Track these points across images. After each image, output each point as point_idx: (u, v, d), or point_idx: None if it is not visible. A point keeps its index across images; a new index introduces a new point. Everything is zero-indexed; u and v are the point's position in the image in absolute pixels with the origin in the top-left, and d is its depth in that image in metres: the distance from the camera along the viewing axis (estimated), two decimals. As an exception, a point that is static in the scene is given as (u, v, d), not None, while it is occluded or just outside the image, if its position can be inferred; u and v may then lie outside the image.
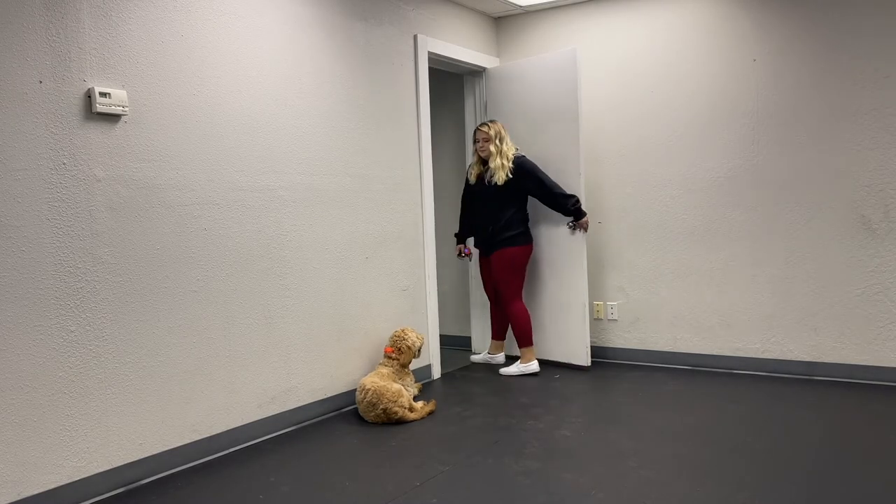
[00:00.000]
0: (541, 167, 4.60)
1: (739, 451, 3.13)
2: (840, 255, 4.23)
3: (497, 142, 4.57)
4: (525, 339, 4.66)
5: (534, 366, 4.65)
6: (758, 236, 4.46)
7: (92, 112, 2.83)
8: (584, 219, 4.63)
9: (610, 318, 5.00)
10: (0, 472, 2.59)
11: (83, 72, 2.81)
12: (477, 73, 5.16)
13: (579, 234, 4.66)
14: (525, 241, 4.67)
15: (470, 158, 5.03)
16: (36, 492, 2.69)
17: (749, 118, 4.45)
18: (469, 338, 5.47)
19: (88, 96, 2.82)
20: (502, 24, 5.30)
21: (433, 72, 4.86)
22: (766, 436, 3.33)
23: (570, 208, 4.57)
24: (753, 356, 4.53)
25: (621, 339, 4.98)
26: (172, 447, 3.14)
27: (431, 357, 4.67)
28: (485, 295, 5.08)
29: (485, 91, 5.16)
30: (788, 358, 4.42)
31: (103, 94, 2.84)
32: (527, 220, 4.72)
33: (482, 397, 4.18)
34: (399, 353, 3.98)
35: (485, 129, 4.61)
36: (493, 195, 4.63)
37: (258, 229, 3.52)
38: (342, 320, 3.99)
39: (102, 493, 2.89)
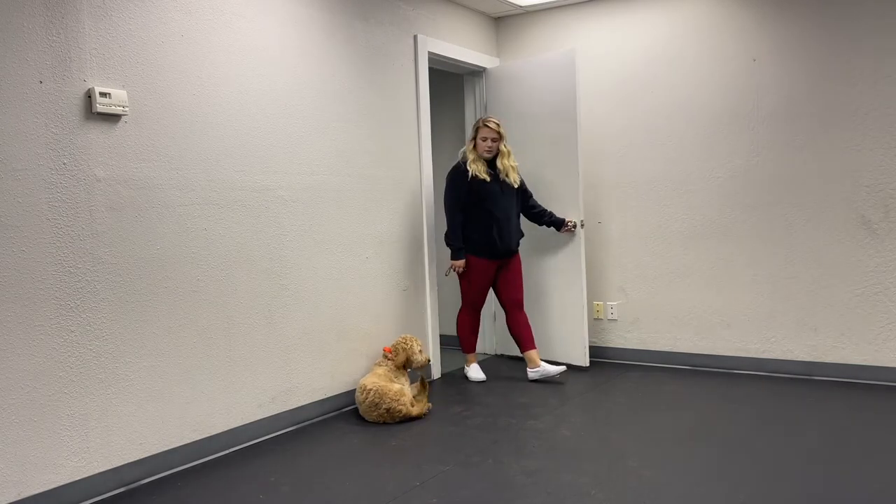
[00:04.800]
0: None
1: (739, 451, 3.13)
2: (840, 255, 4.23)
3: (504, 141, 4.41)
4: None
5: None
6: (758, 236, 4.46)
7: (92, 112, 2.83)
8: (566, 226, 4.63)
9: (610, 318, 5.00)
10: (1, 472, 2.60)
11: (83, 72, 2.81)
12: (477, 73, 5.16)
13: (577, 236, 4.65)
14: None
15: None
16: (36, 491, 2.69)
17: (749, 118, 4.44)
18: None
19: (88, 96, 2.82)
20: (502, 24, 5.30)
21: (433, 72, 4.86)
22: (765, 436, 3.33)
23: (556, 218, 4.62)
24: (753, 356, 4.53)
25: (621, 339, 4.98)
26: (172, 447, 3.15)
27: (431, 357, 4.66)
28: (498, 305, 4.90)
29: (485, 91, 5.15)
30: (788, 358, 4.42)
31: (103, 94, 2.85)
32: None
33: (482, 397, 4.18)
34: (395, 355, 3.98)
35: (495, 126, 4.30)
36: (511, 196, 4.44)
37: (258, 229, 3.52)
38: (342, 320, 3.99)
39: (103, 493, 2.90)
